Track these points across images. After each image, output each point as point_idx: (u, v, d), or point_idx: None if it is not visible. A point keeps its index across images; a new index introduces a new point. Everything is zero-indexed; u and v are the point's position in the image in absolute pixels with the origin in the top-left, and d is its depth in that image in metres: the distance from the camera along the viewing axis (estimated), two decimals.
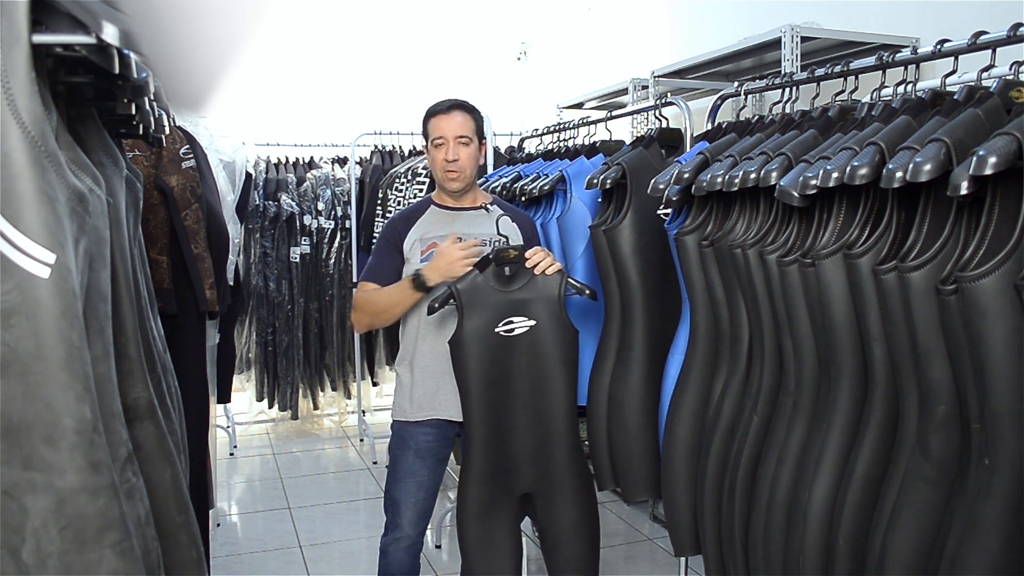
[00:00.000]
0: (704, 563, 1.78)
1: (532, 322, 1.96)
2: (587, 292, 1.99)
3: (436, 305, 1.94)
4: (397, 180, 3.77)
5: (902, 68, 1.63)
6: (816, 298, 1.40)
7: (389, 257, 2.10)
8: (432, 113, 2.10)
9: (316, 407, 4.78)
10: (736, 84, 2.08)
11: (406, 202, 3.64)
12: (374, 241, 2.67)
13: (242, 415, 4.78)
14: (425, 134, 2.12)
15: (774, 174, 1.48)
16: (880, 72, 1.66)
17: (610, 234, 1.98)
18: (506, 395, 1.95)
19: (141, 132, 1.34)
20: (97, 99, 1.12)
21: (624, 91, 3.87)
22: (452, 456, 2.82)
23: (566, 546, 2.04)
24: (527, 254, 1.97)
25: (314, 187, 4.48)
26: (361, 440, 4.57)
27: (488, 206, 2.15)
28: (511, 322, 1.96)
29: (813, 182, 1.36)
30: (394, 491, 2.10)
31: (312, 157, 4.71)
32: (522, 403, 1.96)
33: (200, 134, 2.57)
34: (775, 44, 2.73)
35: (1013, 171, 1.10)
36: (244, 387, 4.68)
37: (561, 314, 1.97)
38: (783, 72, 2.36)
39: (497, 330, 1.95)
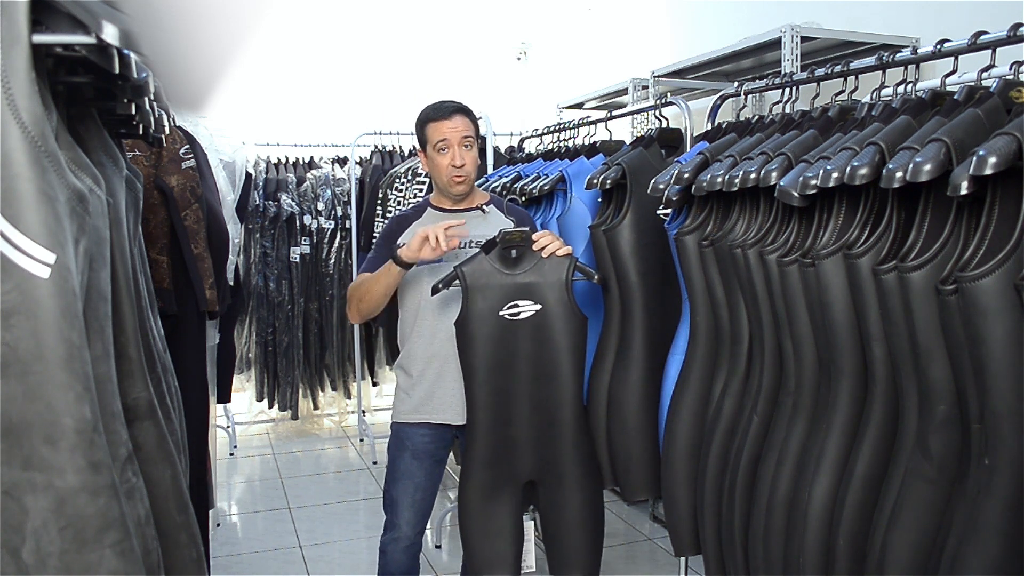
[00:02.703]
0: (704, 563, 1.78)
1: (538, 306, 1.94)
2: (595, 278, 1.97)
3: (440, 286, 1.92)
4: (397, 180, 3.78)
5: (902, 68, 1.63)
6: (816, 298, 1.40)
7: (386, 254, 2.08)
8: (432, 118, 2.05)
9: (316, 407, 4.78)
10: (736, 84, 2.08)
11: (406, 202, 3.64)
12: (374, 241, 2.68)
13: (242, 415, 4.78)
14: (423, 139, 2.07)
15: (774, 174, 1.48)
16: (880, 72, 1.66)
17: (610, 234, 1.98)
18: (510, 380, 1.93)
19: (141, 132, 1.34)
20: (97, 99, 1.12)
21: (624, 91, 3.87)
22: (452, 456, 2.82)
23: (567, 538, 2.01)
24: (534, 236, 1.95)
25: (314, 187, 4.48)
26: (361, 440, 4.57)
27: (484, 206, 2.13)
28: (516, 305, 1.93)
29: (813, 182, 1.36)
30: (392, 491, 2.10)
31: (312, 157, 4.71)
32: (526, 388, 1.94)
33: (200, 134, 2.57)
34: (775, 44, 2.73)
35: (1013, 171, 1.10)
36: (244, 387, 4.68)
37: (569, 299, 1.94)
38: (783, 72, 2.36)
39: (502, 313, 1.93)
